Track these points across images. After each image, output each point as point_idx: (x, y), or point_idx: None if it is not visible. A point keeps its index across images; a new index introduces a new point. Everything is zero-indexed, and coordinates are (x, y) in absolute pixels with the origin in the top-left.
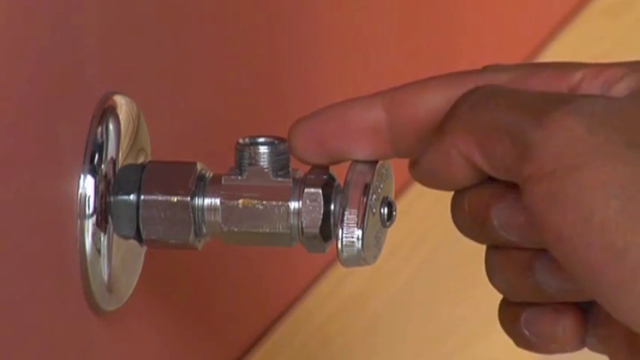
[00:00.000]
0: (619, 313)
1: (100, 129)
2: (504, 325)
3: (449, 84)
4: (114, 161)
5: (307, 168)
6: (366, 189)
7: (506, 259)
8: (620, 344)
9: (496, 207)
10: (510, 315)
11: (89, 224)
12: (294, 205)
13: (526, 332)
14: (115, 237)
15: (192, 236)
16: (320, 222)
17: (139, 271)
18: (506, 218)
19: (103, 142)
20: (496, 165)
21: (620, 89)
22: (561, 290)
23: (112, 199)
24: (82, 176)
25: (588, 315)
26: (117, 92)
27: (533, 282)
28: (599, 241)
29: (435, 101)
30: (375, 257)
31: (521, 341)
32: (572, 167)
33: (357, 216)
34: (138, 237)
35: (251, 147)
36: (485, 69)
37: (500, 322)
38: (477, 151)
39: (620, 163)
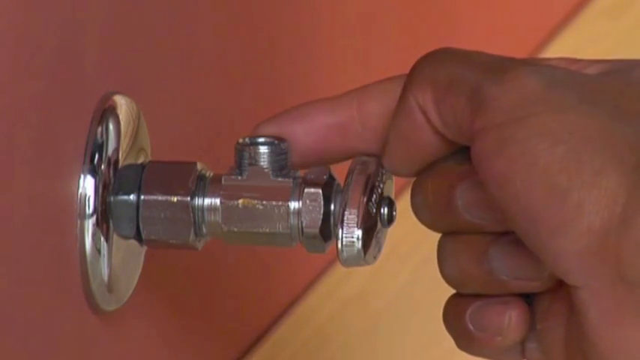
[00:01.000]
0: (554, 260)
1: (100, 129)
2: (448, 322)
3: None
4: (114, 161)
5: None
6: (366, 189)
7: (462, 245)
8: (556, 339)
9: (461, 186)
10: (456, 310)
11: (89, 224)
12: (294, 205)
13: (470, 326)
14: (115, 237)
15: (192, 236)
16: (320, 222)
17: (139, 271)
18: (471, 197)
19: (103, 142)
20: (448, 121)
21: (590, 70)
22: (514, 277)
23: (112, 199)
24: (82, 176)
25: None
26: (117, 92)
27: (486, 269)
28: (542, 184)
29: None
30: (375, 257)
31: (464, 338)
32: (522, 117)
33: (357, 216)
34: (138, 237)
35: (251, 147)
36: None
37: (444, 320)
38: (432, 107)
39: (572, 113)
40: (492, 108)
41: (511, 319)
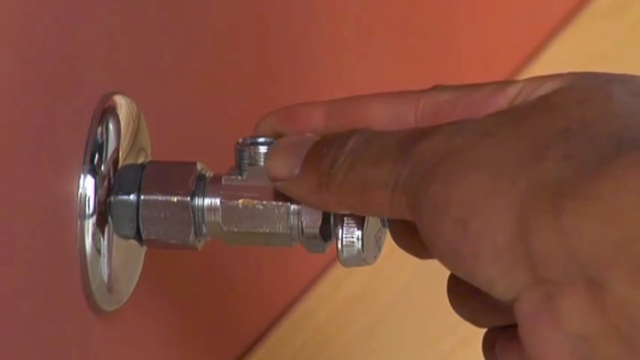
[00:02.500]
0: (488, 287)
1: (100, 129)
2: (486, 357)
3: (392, 100)
4: (114, 161)
5: None
6: None
7: (462, 283)
8: None
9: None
10: (488, 344)
11: (89, 224)
12: (294, 205)
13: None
14: (115, 237)
15: (192, 236)
16: (320, 222)
17: (139, 271)
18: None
19: (103, 142)
20: (383, 215)
21: (535, 95)
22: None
23: (112, 199)
24: (82, 176)
25: None
26: (117, 92)
27: (489, 303)
28: (447, 224)
29: (376, 115)
30: (375, 257)
31: None
32: (429, 172)
33: (357, 216)
34: (138, 237)
35: (251, 147)
36: (433, 88)
37: (484, 354)
38: (363, 209)
39: (468, 151)
40: (409, 179)
41: None
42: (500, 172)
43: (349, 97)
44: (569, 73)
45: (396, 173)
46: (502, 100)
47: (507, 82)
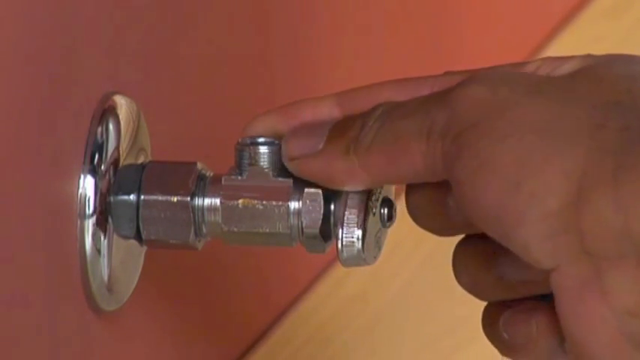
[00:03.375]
0: (524, 251)
1: (100, 129)
2: (487, 332)
3: (405, 85)
4: (114, 161)
5: None
6: (366, 189)
7: (471, 252)
8: None
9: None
10: (490, 320)
11: (89, 224)
12: (294, 205)
13: (505, 335)
14: (115, 237)
15: (192, 236)
16: (320, 222)
17: (139, 271)
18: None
19: (103, 142)
20: (418, 172)
21: (561, 71)
22: (521, 281)
23: (112, 199)
24: (82, 176)
25: None
26: (117, 92)
27: (496, 274)
28: (496, 181)
29: (389, 98)
30: (375, 257)
31: (503, 346)
32: (473, 123)
33: (357, 216)
34: (138, 237)
35: (251, 147)
36: (445, 74)
37: (484, 329)
38: (393, 168)
39: (519, 107)
40: (446, 127)
41: (538, 325)
42: (558, 136)
43: (359, 87)
44: (589, 55)
45: (430, 119)
46: None
47: (522, 63)
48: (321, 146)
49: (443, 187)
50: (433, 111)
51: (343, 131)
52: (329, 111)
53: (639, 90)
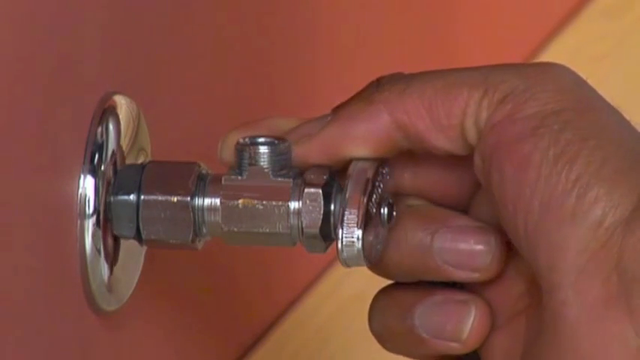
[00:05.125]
0: (550, 254)
1: (100, 129)
2: (380, 320)
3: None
4: (114, 161)
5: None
6: (366, 189)
7: (391, 301)
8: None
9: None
10: (398, 307)
11: (89, 224)
12: (294, 205)
13: (419, 330)
14: (115, 237)
15: (192, 236)
16: (320, 222)
17: (139, 271)
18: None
19: (103, 142)
20: (443, 124)
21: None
22: (434, 337)
23: (112, 199)
24: (82, 176)
25: None
26: (117, 92)
27: (409, 325)
28: (565, 174)
29: None
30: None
31: (404, 340)
32: (556, 111)
33: (357, 216)
34: (138, 237)
35: (251, 147)
36: None
37: (371, 316)
38: (421, 115)
39: (603, 114)
40: (521, 99)
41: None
42: (631, 151)
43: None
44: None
45: (498, 78)
46: None
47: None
48: (329, 118)
49: None
50: (507, 73)
51: (357, 94)
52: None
53: None
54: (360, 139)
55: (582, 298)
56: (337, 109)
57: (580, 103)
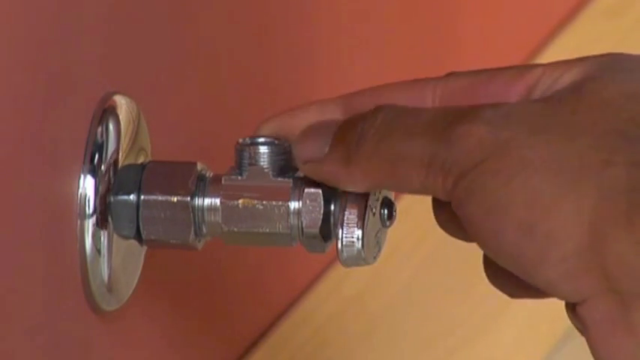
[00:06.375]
0: (548, 288)
1: (100, 129)
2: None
3: (409, 87)
4: (114, 161)
5: None
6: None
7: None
8: None
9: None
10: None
11: (89, 224)
12: (294, 205)
13: None
14: (115, 237)
15: (192, 236)
16: (320, 222)
17: (139, 271)
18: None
19: (103, 142)
20: (410, 190)
21: (561, 83)
22: None
23: (112, 199)
24: (82, 176)
25: None
26: (117, 92)
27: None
28: (508, 222)
29: (393, 100)
30: (375, 257)
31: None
32: (477, 164)
33: (357, 216)
34: (138, 237)
35: (251, 147)
36: (449, 75)
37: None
38: (391, 182)
39: (523, 148)
40: (451, 166)
41: None
42: (565, 174)
43: (363, 90)
44: (594, 58)
45: (431, 151)
46: (521, 87)
47: (526, 68)
48: (326, 150)
49: None
50: (435, 143)
51: (345, 136)
52: (333, 113)
53: None
54: (353, 186)
55: (594, 314)
56: (333, 141)
57: (498, 148)
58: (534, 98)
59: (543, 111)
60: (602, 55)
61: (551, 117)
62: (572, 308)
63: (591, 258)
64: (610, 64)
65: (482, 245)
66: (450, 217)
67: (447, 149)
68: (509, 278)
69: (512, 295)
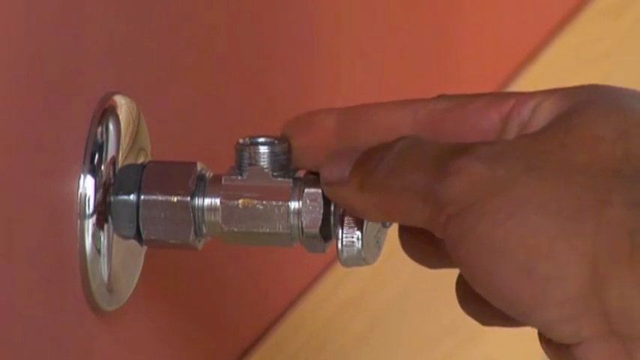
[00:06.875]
0: (546, 330)
1: (100, 129)
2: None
3: (395, 108)
4: (114, 161)
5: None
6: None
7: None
8: None
9: None
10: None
11: (89, 224)
12: (294, 205)
13: None
14: (115, 237)
15: (192, 236)
16: (320, 222)
17: (139, 271)
18: None
19: (103, 142)
20: (414, 223)
21: (541, 115)
22: None
23: (112, 199)
24: (82, 176)
25: None
26: (117, 92)
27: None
28: (504, 265)
29: (380, 122)
30: (375, 257)
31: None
32: (472, 204)
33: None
34: (138, 237)
35: (251, 147)
36: (436, 98)
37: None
38: (398, 214)
39: (518, 187)
40: (446, 202)
41: None
42: (562, 215)
43: (359, 105)
44: (573, 89)
45: (427, 185)
46: (495, 115)
47: (499, 96)
48: (346, 174)
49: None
50: (431, 177)
51: (363, 164)
52: (331, 124)
53: (636, 154)
54: (366, 214)
55: (590, 356)
56: (353, 167)
57: (492, 185)
58: (512, 129)
59: (535, 147)
60: (580, 87)
61: (544, 154)
62: (551, 342)
63: (592, 300)
64: (592, 96)
65: (475, 285)
66: (417, 244)
67: (440, 184)
68: (484, 307)
69: (484, 323)
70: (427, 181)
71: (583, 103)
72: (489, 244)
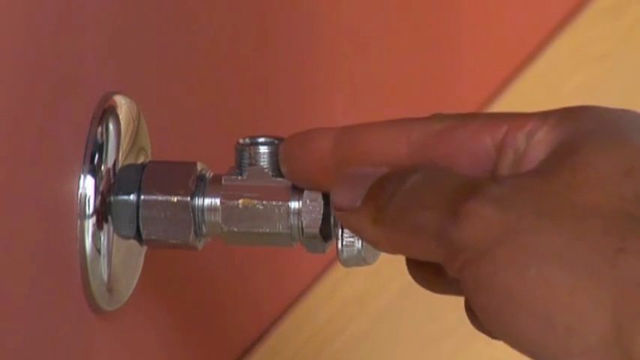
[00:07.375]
0: None
1: (100, 129)
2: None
3: (391, 128)
4: (114, 161)
5: None
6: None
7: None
8: None
9: None
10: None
11: (89, 224)
12: (294, 205)
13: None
14: (115, 237)
15: (192, 236)
16: (320, 222)
17: (139, 271)
18: None
19: (103, 142)
20: (428, 259)
21: (539, 147)
22: None
23: (112, 199)
24: (82, 176)
25: None
26: (117, 92)
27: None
28: (524, 315)
29: (376, 143)
30: (375, 257)
31: None
32: (487, 250)
33: None
34: (138, 237)
35: (251, 147)
36: (430, 118)
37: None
38: (412, 251)
39: (530, 235)
40: (460, 247)
41: None
42: (577, 264)
43: (355, 125)
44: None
45: (440, 226)
46: (489, 141)
47: (494, 120)
48: (358, 203)
49: None
50: (444, 218)
51: (376, 196)
52: (328, 143)
53: None
54: (380, 247)
55: None
56: (366, 197)
57: (505, 233)
58: (508, 157)
59: (543, 188)
60: (572, 112)
61: (554, 195)
62: None
63: (615, 350)
64: (587, 124)
65: (493, 331)
66: (424, 274)
67: (453, 227)
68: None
69: (495, 337)
70: (440, 223)
71: (580, 134)
72: (507, 295)
